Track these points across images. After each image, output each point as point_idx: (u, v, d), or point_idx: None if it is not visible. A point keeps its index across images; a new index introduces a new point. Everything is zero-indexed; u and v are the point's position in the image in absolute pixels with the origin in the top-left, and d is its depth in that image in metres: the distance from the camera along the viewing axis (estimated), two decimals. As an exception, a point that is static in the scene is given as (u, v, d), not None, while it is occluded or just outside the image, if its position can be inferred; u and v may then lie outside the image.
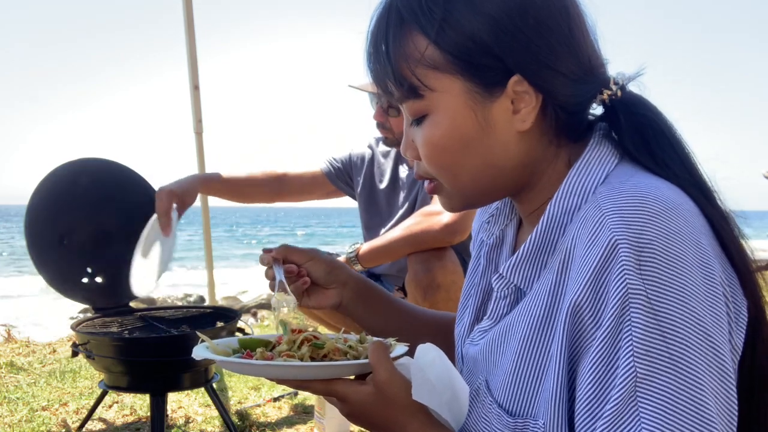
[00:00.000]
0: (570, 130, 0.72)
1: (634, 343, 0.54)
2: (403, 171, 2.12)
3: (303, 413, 2.15)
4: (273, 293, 0.93)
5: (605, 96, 0.70)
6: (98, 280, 1.94)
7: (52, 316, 7.28)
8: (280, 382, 0.78)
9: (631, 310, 0.55)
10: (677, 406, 0.53)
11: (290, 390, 2.31)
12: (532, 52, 0.67)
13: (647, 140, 0.68)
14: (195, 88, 3.15)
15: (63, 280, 1.92)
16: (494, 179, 0.73)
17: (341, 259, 2.02)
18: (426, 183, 0.79)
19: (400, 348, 0.80)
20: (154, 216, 1.75)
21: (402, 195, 2.10)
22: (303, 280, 0.97)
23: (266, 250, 0.98)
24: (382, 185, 2.14)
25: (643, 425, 0.53)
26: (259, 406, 2.20)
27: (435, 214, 1.88)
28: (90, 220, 1.92)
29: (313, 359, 0.77)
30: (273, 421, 2.08)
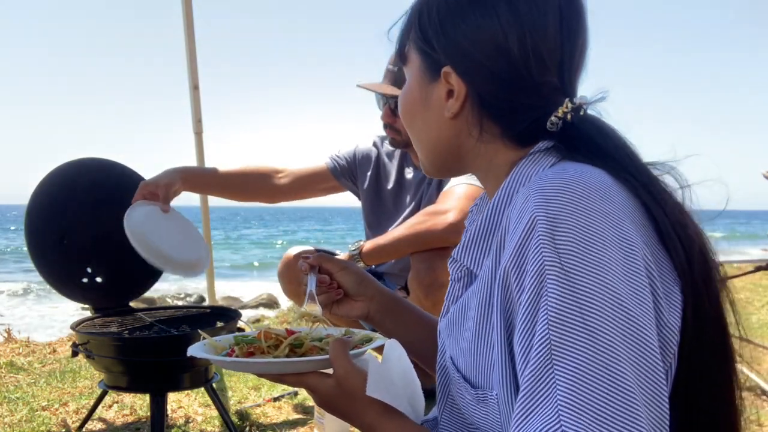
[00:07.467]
0: (505, 130, 0.76)
1: (549, 312, 0.57)
2: (409, 172, 2.11)
3: (303, 413, 2.15)
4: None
5: (554, 118, 0.73)
6: (98, 280, 1.94)
7: (52, 316, 7.28)
8: (259, 375, 0.86)
9: (547, 280, 0.58)
10: (591, 372, 0.54)
11: (290, 390, 2.32)
12: (460, 45, 0.75)
13: (593, 152, 0.71)
14: (195, 88, 3.15)
15: (63, 280, 1.92)
16: (434, 149, 0.83)
17: (344, 255, 2.02)
18: None
19: (379, 341, 0.87)
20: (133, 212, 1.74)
21: (408, 196, 2.10)
22: (336, 291, 1.04)
23: (304, 257, 1.03)
24: (389, 186, 2.13)
25: (558, 389, 0.55)
26: (259, 406, 2.20)
27: (439, 214, 1.87)
28: (90, 220, 1.92)
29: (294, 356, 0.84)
30: (273, 421, 2.08)
